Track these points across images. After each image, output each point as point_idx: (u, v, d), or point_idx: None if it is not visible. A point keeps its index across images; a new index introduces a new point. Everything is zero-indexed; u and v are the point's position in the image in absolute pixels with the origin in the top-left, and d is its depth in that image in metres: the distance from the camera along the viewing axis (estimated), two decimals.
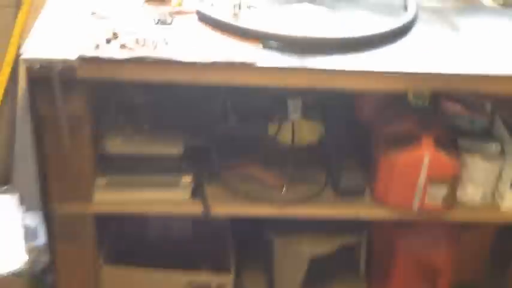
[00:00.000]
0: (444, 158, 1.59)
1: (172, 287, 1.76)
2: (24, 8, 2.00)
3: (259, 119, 1.78)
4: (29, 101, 1.41)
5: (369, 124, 1.78)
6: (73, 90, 1.37)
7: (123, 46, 1.37)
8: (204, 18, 1.53)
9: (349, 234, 1.84)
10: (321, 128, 1.79)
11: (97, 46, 1.36)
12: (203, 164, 1.67)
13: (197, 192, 1.63)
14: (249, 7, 1.63)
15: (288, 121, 1.75)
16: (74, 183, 1.53)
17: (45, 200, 1.55)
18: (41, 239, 1.86)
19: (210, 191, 1.64)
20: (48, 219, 1.58)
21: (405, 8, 1.69)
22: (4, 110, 2.09)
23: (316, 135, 1.81)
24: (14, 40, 2.00)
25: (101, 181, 1.58)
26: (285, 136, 1.77)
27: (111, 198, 1.59)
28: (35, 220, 1.90)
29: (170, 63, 1.35)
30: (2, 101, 2.05)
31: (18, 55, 1.92)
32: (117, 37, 1.40)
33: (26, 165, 1.95)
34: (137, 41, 1.39)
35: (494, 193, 1.70)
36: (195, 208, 1.61)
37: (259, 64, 1.38)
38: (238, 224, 1.90)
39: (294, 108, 1.74)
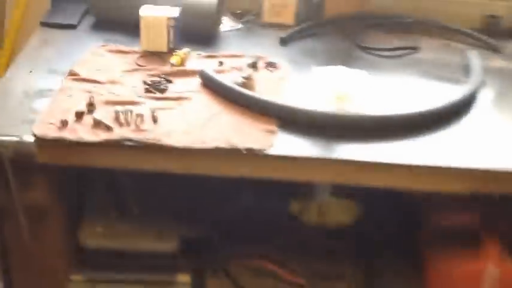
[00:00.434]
0: None
1: None
2: None
3: (279, 195, 1.45)
4: None
5: (417, 207, 1.42)
6: (32, 176, 1.08)
7: (97, 124, 1.07)
8: (208, 83, 1.21)
9: None
10: (357, 208, 1.44)
11: (63, 123, 1.06)
12: (204, 257, 1.35)
13: None
14: (268, 68, 1.31)
15: (315, 198, 1.42)
16: (40, 280, 1.23)
17: None
18: None
19: None
20: None
21: (466, 69, 1.33)
22: None
23: (351, 216, 1.46)
24: None
25: (76, 278, 1.27)
26: (310, 216, 1.44)
27: None
28: None
29: (157, 149, 1.04)
30: None
31: None
32: (92, 110, 1.10)
33: None
34: (117, 117, 1.09)
35: None
36: None
37: (272, 151, 1.05)
38: None
39: (324, 186, 1.41)
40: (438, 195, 1.17)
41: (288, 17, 1.52)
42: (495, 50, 1.45)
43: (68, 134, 1.04)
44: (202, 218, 1.35)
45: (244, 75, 1.23)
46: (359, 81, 1.23)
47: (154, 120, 1.10)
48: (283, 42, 1.44)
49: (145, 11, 1.31)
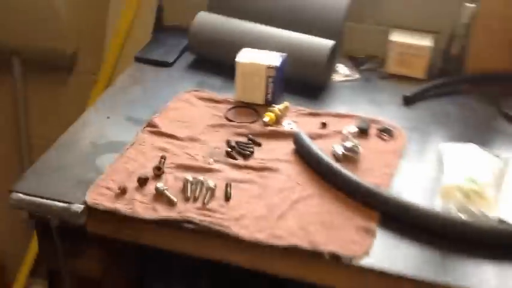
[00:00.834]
0: None
1: None
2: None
3: None
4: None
5: None
6: (82, 244, 0.94)
7: (159, 195, 0.90)
8: (301, 151, 1.00)
9: None
10: None
11: (122, 190, 0.90)
12: None
13: None
14: (381, 135, 1.06)
15: None
16: None
17: None
18: None
19: None
20: None
21: None
22: None
23: None
24: None
25: None
26: None
27: None
28: None
29: (222, 236, 0.85)
30: None
31: None
32: (159, 175, 0.94)
33: None
34: (184, 188, 0.91)
35: None
36: None
37: (365, 261, 0.81)
38: None
39: None
40: None
41: (418, 69, 1.24)
42: None
43: (122, 206, 0.88)
44: None
45: (349, 145, 1.00)
46: (498, 170, 0.95)
47: (227, 197, 0.90)
48: (407, 101, 1.18)
49: (244, 57, 1.12)
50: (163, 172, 0.94)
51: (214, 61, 1.25)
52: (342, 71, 1.26)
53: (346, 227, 0.86)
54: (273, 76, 1.11)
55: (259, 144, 1.03)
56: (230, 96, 1.15)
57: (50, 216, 0.88)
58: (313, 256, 0.82)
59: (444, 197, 0.89)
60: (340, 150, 0.99)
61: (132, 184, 0.92)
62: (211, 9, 1.29)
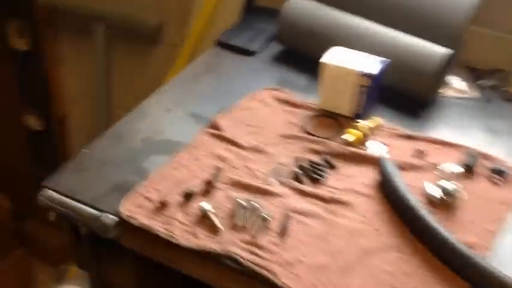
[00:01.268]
0: None
1: None
2: None
3: None
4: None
5: None
6: (114, 255, 0.82)
7: (203, 218, 0.75)
8: (385, 184, 0.81)
9: None
10: None
11: (163, 204, 0.77)
12: None
13: None
14: (492, 178, 0.84)
15: None
16: None
17: None
18: None
19: None
20: None
21: None
22: None
23: None
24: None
25: None
26: None
27: None
28: None
29: (266, 282, 0.69)
30: None
31: None
32: (209, 191, 0.79)
33: None
34: (233, 213, 0.76)
35: None
36: None
37: None
38: None
39: None
40: None
41: None
42: None
43: (158, 225, 0.75)
44: None
45: (449, 187, 0.79)
46: None
47: (282, 232, 0.74)
48: None
49: (332, 57, 0.93)
50: (213, 187, 0.80)
51: (304, 55, 1.07)
52: (456, 85, 1.04)
53: None
54: (367, 86, 0.91)
55: (333, 167, 0.85)
56: (313, 99, 0.98)
57: (79, 224, 0.77)
58: None
59: None
60: (438, 193, 0.79)
61: (175, 197, 0.78)
62: None
